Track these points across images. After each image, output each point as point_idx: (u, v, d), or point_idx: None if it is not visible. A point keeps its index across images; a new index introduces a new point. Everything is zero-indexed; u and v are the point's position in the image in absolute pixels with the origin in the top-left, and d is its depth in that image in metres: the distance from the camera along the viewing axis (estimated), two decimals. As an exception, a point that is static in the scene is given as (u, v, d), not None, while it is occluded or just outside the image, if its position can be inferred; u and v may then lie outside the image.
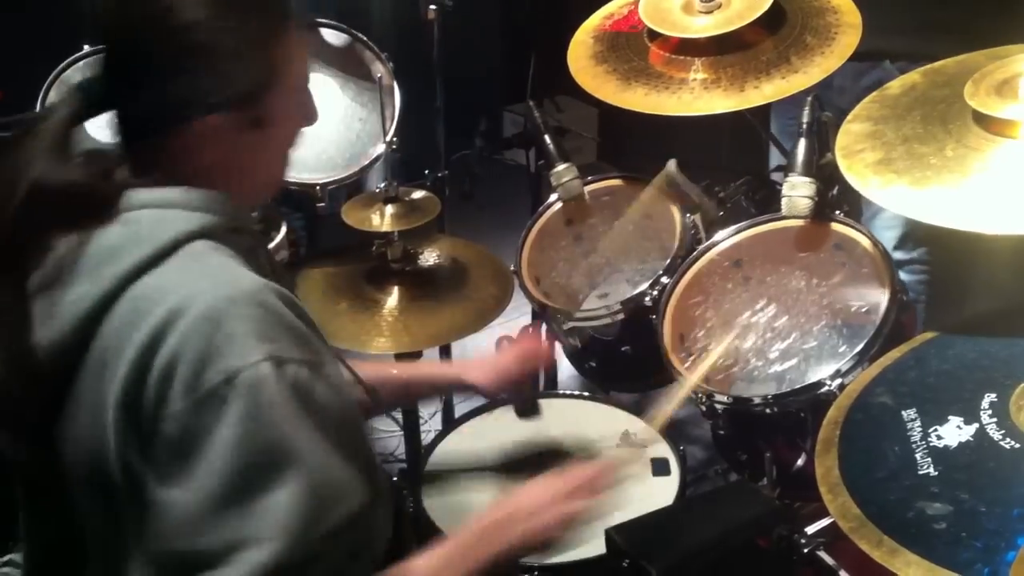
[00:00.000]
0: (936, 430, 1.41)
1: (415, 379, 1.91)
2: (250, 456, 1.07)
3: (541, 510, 1.37)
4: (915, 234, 2.60)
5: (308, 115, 1.33)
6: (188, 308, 1.09)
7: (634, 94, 2.10)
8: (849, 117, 1.72)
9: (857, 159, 1.62)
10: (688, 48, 2.13)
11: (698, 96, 2.04)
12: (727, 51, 2.09)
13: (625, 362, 2.27)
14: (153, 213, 1.17)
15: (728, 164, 3.46)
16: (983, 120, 1.52)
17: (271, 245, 2.42)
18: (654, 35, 2.17)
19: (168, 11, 1.15)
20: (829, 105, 2.13)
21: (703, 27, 2.09)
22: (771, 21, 2.10)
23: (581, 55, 2.26)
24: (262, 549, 1.06)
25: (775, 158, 2.99)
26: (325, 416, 1.14)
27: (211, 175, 1.22)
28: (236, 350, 1.08)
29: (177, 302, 1.09)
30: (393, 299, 2.24)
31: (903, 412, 1.47)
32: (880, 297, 1.89)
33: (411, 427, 2.34)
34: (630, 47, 2.21)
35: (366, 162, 2.62)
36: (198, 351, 1.07)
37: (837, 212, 2.03)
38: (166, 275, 1.13)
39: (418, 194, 2.31)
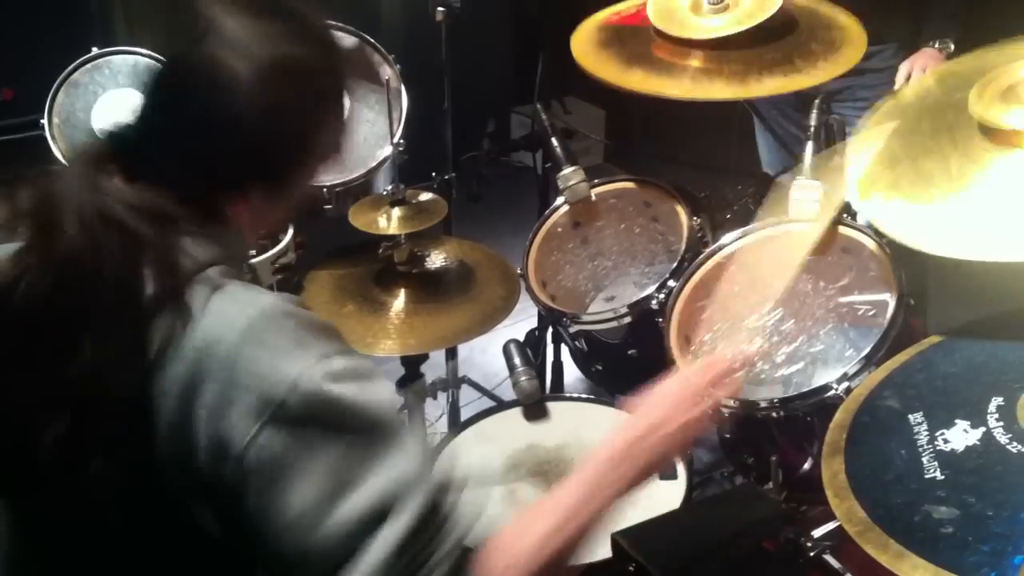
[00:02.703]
0: (943, 434, 1.41)
1: None
2: (344, 457, 1.03)
3: (672, 416, 1.27)
4: None
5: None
6: (222, 338, 1.05)
7: (635, 76, 2.11)
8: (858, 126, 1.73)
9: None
10: (694, 46, 2.13)
11: (699, 82, 2.05)
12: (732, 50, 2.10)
13: (631, 365, 2.27)
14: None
15: (736, 167, 3.45)
16: (988, 131, 1.52)
17: (278, 248, 2.43)
18: (661, 33, 2.18)
19: (235, 95, 1.12)
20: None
21: (711, 28, 2.09)
22: (779, 29, 2.11)
23: (586, 39, 2.26)
24: (395, 522, 1.02)
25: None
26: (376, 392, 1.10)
27: (236, 221, 1.20)
28: (286, 361, 1.04)
29: (208, 333, 1.06)
30: (400, 301, 2.24)
31: (910, 416, 1.47)
32: (887, 300, 1.88)
33: (416, 429, 2.34)
34: (636, 37, 2.22)
35: (373, 164, 2.61)
36: (251, 374, 1.04)
37: (844, 215, 2.02)
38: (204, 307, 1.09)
39: (425, 196, 2.31)
